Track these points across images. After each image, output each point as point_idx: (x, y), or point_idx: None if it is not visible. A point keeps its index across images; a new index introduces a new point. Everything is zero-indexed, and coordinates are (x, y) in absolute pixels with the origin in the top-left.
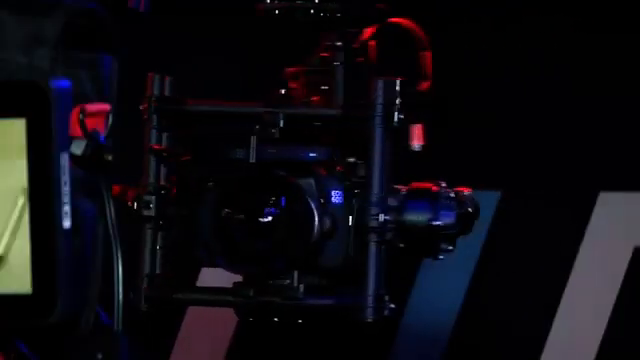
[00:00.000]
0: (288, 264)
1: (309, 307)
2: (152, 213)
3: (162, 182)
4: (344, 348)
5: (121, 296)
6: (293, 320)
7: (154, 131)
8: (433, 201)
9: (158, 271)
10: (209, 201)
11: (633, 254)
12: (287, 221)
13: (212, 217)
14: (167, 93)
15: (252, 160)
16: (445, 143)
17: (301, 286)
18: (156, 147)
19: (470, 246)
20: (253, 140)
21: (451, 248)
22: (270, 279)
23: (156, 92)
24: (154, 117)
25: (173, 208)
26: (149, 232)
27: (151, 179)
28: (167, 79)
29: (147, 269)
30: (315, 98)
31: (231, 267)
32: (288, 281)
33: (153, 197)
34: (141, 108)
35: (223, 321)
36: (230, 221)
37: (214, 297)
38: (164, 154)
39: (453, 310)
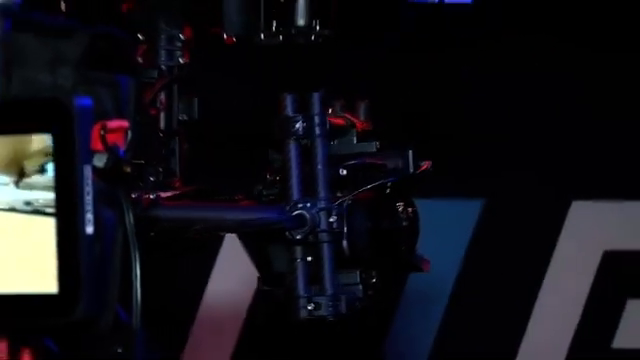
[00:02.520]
0: None
1: None
2: None
3: None
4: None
5: (139, 295)
6: None
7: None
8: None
9: None
10: None
11: (602, 257)
12: None
13: None
14: None
15: None
16: (432, 154)
17: None
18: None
19: (456, 247)
20: None
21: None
22: None
23: None
24: None
25: None
26: None
27: None
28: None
29: None
30: None
31: None
32: None
33: None
34: None
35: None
36: None
37: None
38: None
39: (439, 309)
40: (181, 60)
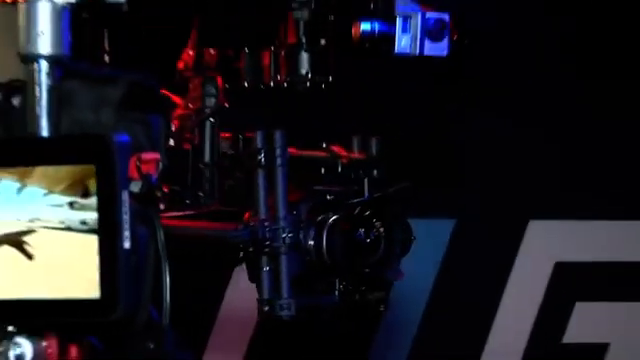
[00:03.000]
0: None
1: None
2: None
3: None
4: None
5: (168, 299)
6: None
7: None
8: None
9: None
10: None
11: (554, 268)
12: None
13: None
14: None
15: None
16: (408, 176)
17: None
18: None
19: (432, 261)
20: None
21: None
22: None
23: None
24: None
25: None
26: None
27: None
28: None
29: None
30: None
31: None
32: None
33: None
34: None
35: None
36: None
37: None
38: None
39: (418, 311)
40: (214, 102)
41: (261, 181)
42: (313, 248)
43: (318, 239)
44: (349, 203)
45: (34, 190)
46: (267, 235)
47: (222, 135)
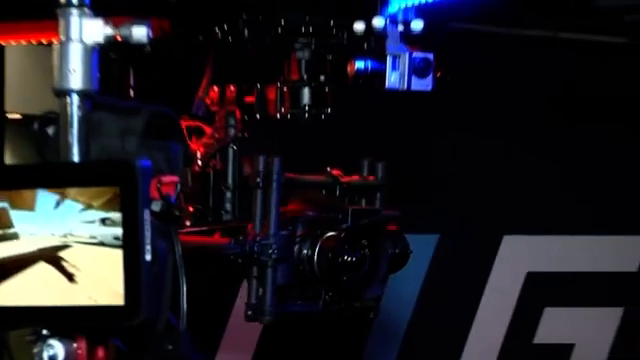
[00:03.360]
0: None
1: None
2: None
3: None
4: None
5: (185, 305)
6: None
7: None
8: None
9: None
10: None
11: (526, 277)
12: None
13: None
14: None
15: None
16: (400, 199)
17: None
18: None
19: (418, 272)
20: None
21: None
22: None
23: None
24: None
25: None
26: None
27: None
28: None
29: None
30: None
31: None
32: None
33: None
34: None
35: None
36: None
37: None
38: None
39: (404, 318)
40: (233, 132)
41: (258, 200)
42: (306, 259)
43: (311, 251)
44: (342, 224)
45: (70, 207)
46: (255, 249)
47: (244, 160)
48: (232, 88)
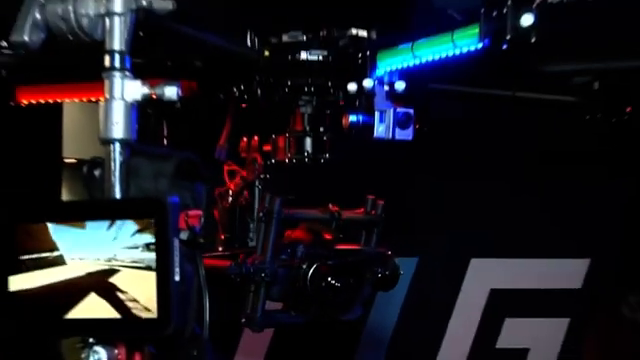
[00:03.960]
0: None
1: None
2: None
3: None
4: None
5: (208, 317)
6: None
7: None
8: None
9: None
10: None
11: (489, 293)
12: None
13: None
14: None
15: None
16: (384, 226)
17: None
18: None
19: (399, 291)
20: None
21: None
22: None
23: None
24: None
25: None
26: None
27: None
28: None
29: None
30: None
31: None
32: None
33: None
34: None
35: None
36: None
37: None
38: None
39: (390, 327)
40: (256, 174)
41: (261, 231)
42: (301, 277)
43: (305, 272)
44: (336, 254)
45: (118, 235)
46: (252, 270)
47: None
48: (255, 138)
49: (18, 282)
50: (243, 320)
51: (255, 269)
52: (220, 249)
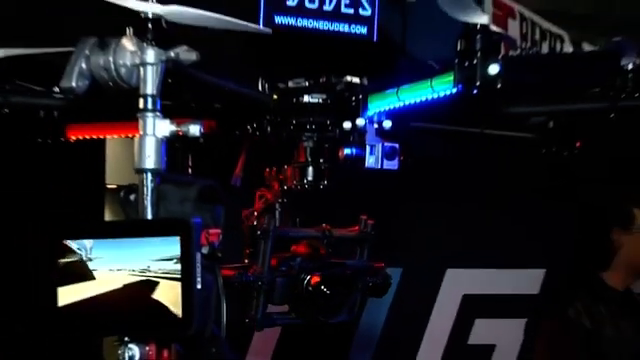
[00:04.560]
0: None
1: None
2: None
3: None
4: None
5: (225, 319)
6: None
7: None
8: None
9: None
10: None
11: (462, 298)
12: None
13: None
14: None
15: None
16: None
17: None
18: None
19: (385, 299)
20: None
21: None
22: None
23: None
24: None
25: None
26: None
27: None
28: None
29: None
30: None
31: None
32: None
33: None
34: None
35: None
36: None
37: None
38: None
39: (378, 328)
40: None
41: (261, 247)
42: (300, 283)
43: (303, 279)
44: (329, 267)
45: (150, 250)
46: (251, 279)
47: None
48: (275, 168)
49: (65, 295)
50: (246, 320)
51: (254, 278)
52: (246, 261)
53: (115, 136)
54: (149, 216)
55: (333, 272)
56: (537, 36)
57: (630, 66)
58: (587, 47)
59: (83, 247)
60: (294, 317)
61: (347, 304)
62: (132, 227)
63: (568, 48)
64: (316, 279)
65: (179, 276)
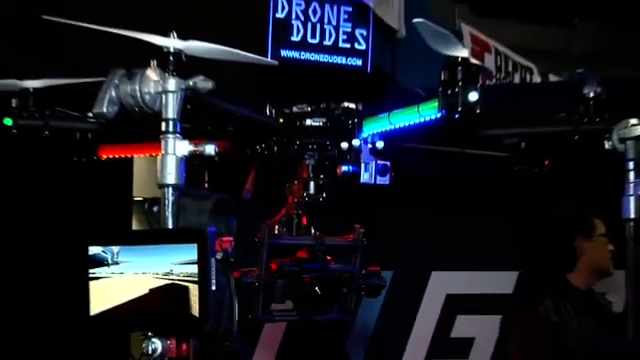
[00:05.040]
0: None
1: None
2: None
3: None
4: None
5: (236, 316)
6: None
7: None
8: None
9: None
10: None
11: (445, 297)
12: None
13: None
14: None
15: None
16: (369, 249)
17: None
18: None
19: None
20: None
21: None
22: None
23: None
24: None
25: None
26: None
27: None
28: None
29: None
30: None
31: None
32: None
33: None
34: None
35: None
36: None
37: None
38: None
39: (371, 324)
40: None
41: (264, 254)
42: (299, 284)
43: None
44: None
45: (171, 255)
46: (249, 281)
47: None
48: (295, 182)
49: (95, 294)
50: (249, 316)
51: (252, 280)
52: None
53: (141, 155)
54: (170, 226)
55: (327, 274)
56: (510, 68)
57: (591, 94)
58: (553, 78)
59: (110, 252)
60: (293, 314)
61: (337, 304)
62: (155, 235)
63: (537, 79)
64: (310, 280)
65: (196, 279)
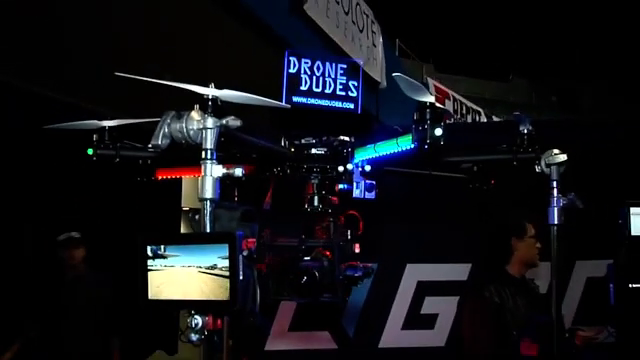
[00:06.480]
0: None
1: None
2: None
3: None
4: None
5: (258, 299)
6: None
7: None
8: None
9: None
10: None
11: (417, 284)
12: None
13: None
14: None
15: None
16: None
17: None
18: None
19: (367, 284)
20: None
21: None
22: None
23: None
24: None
25: None
26: None
27: None
28: None
29: None
30: None
31: None
32: None
33: None
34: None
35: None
36: None
37: None
38: None
39: (359, 305)
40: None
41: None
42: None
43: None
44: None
45: (208, 253)
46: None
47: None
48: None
49: (152, 281)
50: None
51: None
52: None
53: (187, 176)
54: (208, 230)
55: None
56: (464, 111)
57: (525, 131)
58: (496, 119)
59: (160, 249)
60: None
61: (325, 290)
62: (197, 237)
63: (484, 119)
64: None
65: (227, 273)
